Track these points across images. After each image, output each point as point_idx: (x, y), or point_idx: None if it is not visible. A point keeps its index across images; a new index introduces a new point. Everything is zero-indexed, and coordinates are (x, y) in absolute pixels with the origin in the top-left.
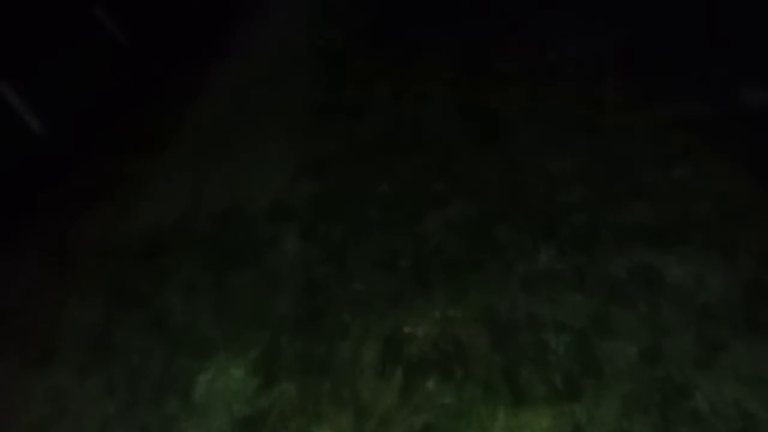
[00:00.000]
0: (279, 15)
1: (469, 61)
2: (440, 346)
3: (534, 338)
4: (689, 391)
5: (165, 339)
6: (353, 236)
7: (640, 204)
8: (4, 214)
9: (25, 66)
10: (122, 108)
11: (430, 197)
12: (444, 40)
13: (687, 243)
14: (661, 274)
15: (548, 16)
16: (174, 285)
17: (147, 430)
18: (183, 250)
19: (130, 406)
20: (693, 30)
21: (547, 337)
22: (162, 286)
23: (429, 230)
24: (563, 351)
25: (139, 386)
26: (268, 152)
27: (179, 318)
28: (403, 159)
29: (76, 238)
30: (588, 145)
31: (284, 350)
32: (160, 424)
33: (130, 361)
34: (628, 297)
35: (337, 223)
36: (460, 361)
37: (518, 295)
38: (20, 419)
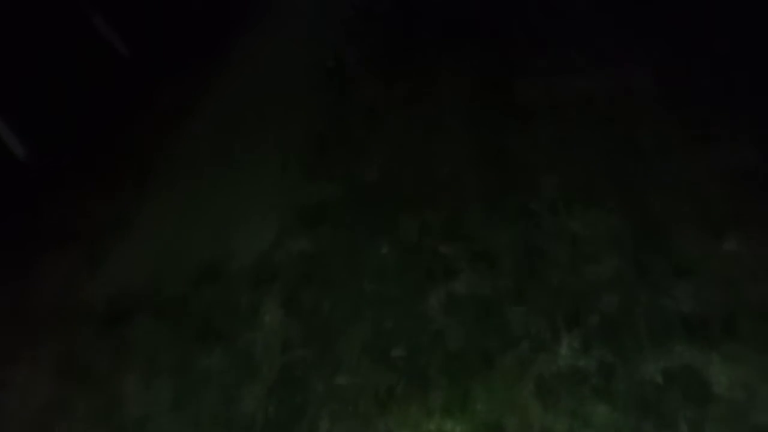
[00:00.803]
0: (288, 30)
1: (490, 91)
2: None
3: None
4: None
5: None
6: (342, 312)
7: (681, 284)
8: None
9: (11, 86)
10: (111, 131)
11: (436, 265)
12: (463, 64)
13: (736, 339)
14: (704, 380)
15: (578, 38)
16: (134, 364)
17: None
18: (150, 318)
19: None
20: (741, 62)
21: None
22: (121, 364)
23: (431, 310)
24: None
25: None
26: (258, 196)
27: (133, 408)
28: (408, 212)
29: (37, 293)
30: (621, 202)
31: None
32: None
33: None
34: (665, 410)
35: (326, 293)
36: None
37: (532, 404)
38: None
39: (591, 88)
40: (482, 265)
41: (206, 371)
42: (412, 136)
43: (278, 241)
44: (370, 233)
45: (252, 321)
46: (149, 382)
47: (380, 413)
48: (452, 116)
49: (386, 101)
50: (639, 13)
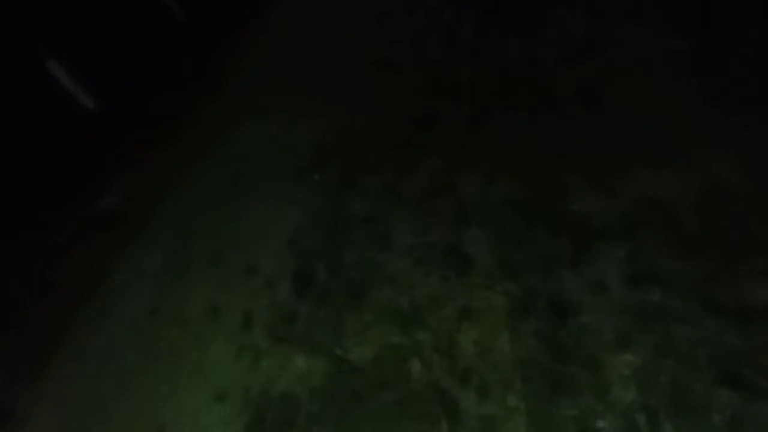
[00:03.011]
0: (283, 94)
1: (532, 195)
2: None
3: None
4: None
5: None
6: None
7: None
8: None
9: None
10: (44, 252)
11: None
12: (496, 146)
13: None
14: None
15: (645, 109)
16: None
17: None
18: None
19: None
20: None
21: None
22: None
23: None
24: None
25: None
26: (205, 385)
27: None
28: (416, 426)
29: None
30: (736, 414)
31: None
32: None
33: None
34: None
35: None
36: None
37: None
38: None
39: (667, 188)
40: None
41: None
42: (423, 279)
43: None
44: None
45: None
46: None
47: None
48: (481, 241)
49: (394, 208)
50: (725, 78)
